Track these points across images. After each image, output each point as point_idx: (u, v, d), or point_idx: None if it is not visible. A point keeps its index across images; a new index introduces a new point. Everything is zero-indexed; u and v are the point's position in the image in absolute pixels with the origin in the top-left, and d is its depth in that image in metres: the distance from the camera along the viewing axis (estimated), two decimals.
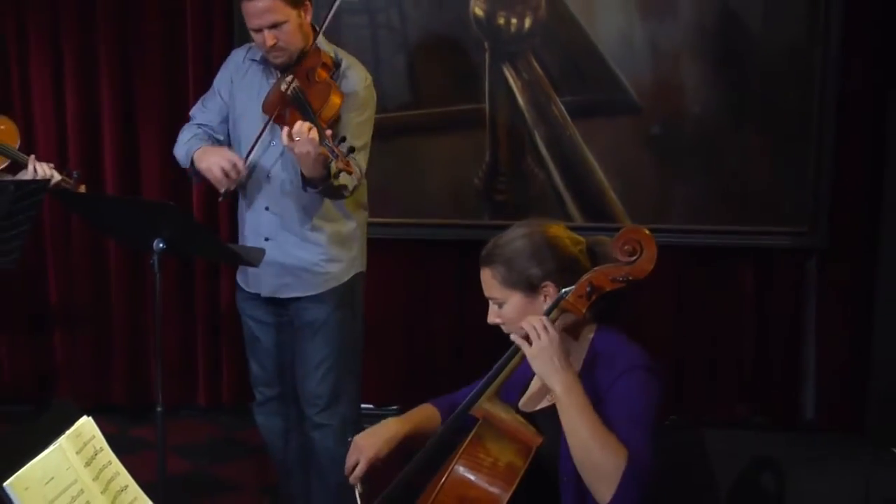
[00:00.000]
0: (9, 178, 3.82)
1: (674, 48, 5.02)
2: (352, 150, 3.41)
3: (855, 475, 4.50)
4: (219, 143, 3.94)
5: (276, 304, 3.94)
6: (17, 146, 3.92)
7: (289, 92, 3.59)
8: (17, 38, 5.32)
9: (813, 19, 4.93)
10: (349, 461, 2.81)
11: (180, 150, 3.91)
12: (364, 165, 3.77)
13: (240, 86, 3.88)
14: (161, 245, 3.55)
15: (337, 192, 3.62)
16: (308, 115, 3.49)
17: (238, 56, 3.97)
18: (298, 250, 3.83)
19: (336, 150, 3.32)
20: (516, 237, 2.69)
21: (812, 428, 5.27)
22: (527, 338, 2.53)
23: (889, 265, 4.92)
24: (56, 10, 5.28)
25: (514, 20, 5.08)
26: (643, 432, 2.45)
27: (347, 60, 3.81)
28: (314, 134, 3.33)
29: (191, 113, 4.04)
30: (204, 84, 5.22)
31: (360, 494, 2.80)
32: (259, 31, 3.63)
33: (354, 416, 4.00)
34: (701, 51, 5.02)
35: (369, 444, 2.80)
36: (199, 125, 3.96)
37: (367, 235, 4.04)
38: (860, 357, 5.14)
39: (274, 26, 3.60)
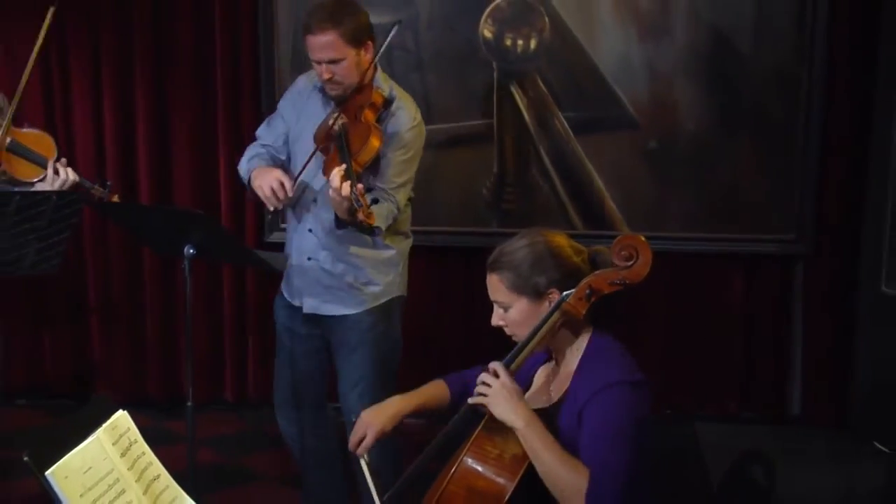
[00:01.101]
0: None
1: (669, 69, 5.03)
2: (375, 201, 3.37)
3: (838, 467, 4.51)
4: (280, 162, 3.90)
5: (313, 320, 3.88)
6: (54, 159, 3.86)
7: (335, 128, 3.54)
8: (59, 56, 5.34)
9: (799, 42, 4.93)
10: (356, 435, 2.85)
11: (242, 167, 3.86)
12: (403, 201, 3.72)
13: (301, 110, 3.83)
14: (191, 251, 3.55)
15: (370, 232, 3.56)
16: (345, 156, 3.43)
17: (302, 82, 3.91)
18: (338, 271, 3.77)
19: (362, 200, 3.27)
20: (522, 246, 2.67)
21: (798, 422, 5.26)
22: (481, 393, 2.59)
23: (870, 270, 4.90)
24: (95, 30, 5.30)
25: (520, 42, 5.09)
26: (610, 449, 2.45)
27: (401, 100, 3.74)
28: (346, 187, 3.29)
29: (257, 132, 3.99)
30: (231, 99, 5.28)
31: (366, 464, 2.83)
32: (319, 63, 3.60)
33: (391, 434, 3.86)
34: (694, 71, 5.02)
35: (376, 419, 2.84)
36: (263, 145, 3.92)
37: (408, 262, 3.96)
38: (843, 356, 5.13)
39: (332, 62, 3.56)
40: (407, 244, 3.94)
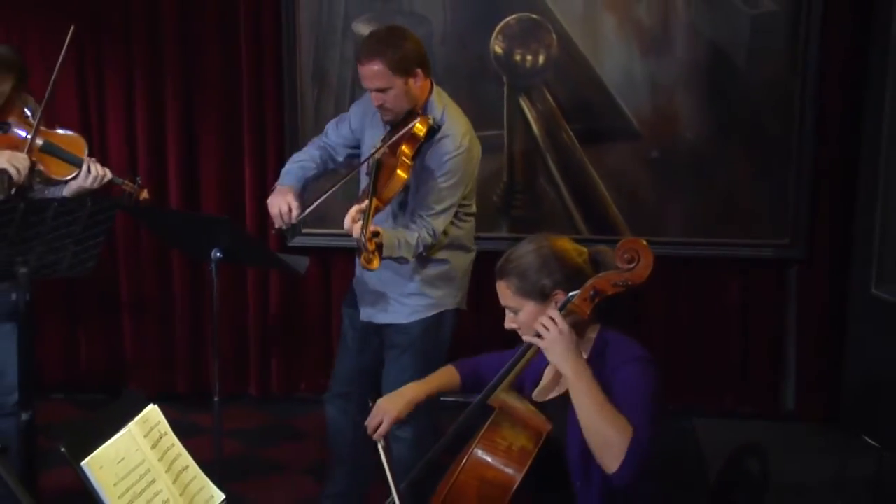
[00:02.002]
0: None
1: (670, 82, 5.02)
2: (380, 246, 3.34)
3: (830, 460, 4.50)
4: (335, 163, 3.88)
5: (370, 324, 3.88)
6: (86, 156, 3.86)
7: (375, 158, 3.51)
8: (95, 67, 5.36)
9: (792, 56, 4.92)
10: (373, 421, 2.85)
11: (284, 168, 3.84)
12: (441, 227, 3.64)
13: (370, 123, 3.79)
14: (218, 254, 3.57)
15: (397, 261, 3.57)
16: (370, 190, 3.40)
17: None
18: (392, 282, 3.75)
19: (366, 244, 3.25)
20: (527, 252, 2.69)
21: (792, 418, 5.24)
22: (539, 335, 2.54)
23: (860, 273, 4.89)
24: (129, 42, 5.31)
25: (529, 57, 5.09)
26: (642, 414, 2.46)
27: (451, 125, 3.66)
28: (357, 228, 3.28)
29: (327, 126, 3.95)
30: (255, 110, 5.29)
31: (383, 448, 2.82)
32: (369, 90, 3.57)
33: (429, 431, 3.79)
34: (694, 84, 5.02)
35: (392, 406, 2.85)
36: (323, 146, 3.88)
37: (468, 274, 3.92)
38: (834, 355, 5.12)
39: (380, 90, 3.53)
40: (467, 258, 3.91)
